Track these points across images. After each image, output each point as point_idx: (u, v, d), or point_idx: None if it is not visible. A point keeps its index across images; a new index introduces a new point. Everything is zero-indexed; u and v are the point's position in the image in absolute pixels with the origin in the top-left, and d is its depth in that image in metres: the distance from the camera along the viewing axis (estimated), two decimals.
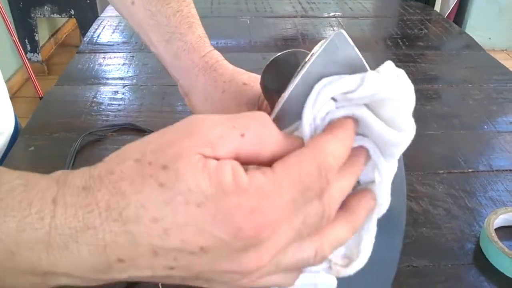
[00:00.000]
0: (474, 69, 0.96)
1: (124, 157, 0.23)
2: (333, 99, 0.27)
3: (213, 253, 0.22)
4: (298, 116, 0.29)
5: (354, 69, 0.29)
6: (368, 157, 0.29)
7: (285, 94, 0.30)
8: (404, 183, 0.36)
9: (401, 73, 0.27)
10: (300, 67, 0.30)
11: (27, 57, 2.42)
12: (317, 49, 0.29)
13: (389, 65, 0.27)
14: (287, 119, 0.30)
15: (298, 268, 0.27)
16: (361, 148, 0.28)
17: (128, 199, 0.22)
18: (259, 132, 0.24)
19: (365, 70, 0.29)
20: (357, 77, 0.26)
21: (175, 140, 0.23)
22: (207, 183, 0.21)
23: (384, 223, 0.36)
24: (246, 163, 0.24)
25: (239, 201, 0.22)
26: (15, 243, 0.22)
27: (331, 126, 0.27)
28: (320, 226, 0.25)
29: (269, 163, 0.24)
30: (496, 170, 0.65)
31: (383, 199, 0.31)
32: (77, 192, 0.23)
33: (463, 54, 1.04)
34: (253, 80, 0.46)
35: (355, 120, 0.27)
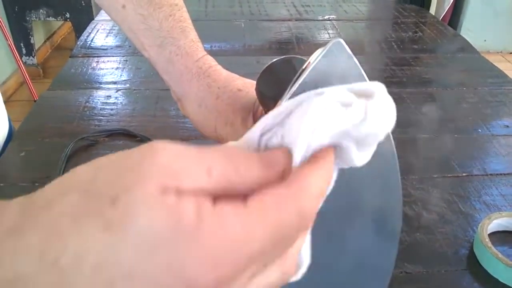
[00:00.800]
0: (468, 72, 0.96)
1: (70, 186, 0.20)
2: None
3: None
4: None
5: (351, 78, 0.29)
6: None
7: (282, 102, 0.29)
8: (400, 188, 0.36)
9: (391, 102, 0.24)
10: (297, 75, 0.29)
11: (22, 61, 2.41)
12: (315, 57, 0.29)
13: (383, 92, 0.24)
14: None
15: None
16: None
17: (66, 240, 0.18)
18: (229, 168, 0.20)
19: (362, 79, 0.29)
20: (360, 110, 0.23)
21: (133, 165, 0.19)
22: (162, 223, 0.18)
23: (380, 229, 0.36)
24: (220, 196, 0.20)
25: (199, 248, 0.18)
26: None
27: (315, 157, 0.23)
28: (278, 260, 0.22)
29: (246, 192, 0.20)
30: (490, 174, 0.65)
31: None
32: (5, 235, 0.19)
33: (458, 57, 1.04)
34: (248, 86, 0.46)
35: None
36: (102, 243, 0.18)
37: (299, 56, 0.39)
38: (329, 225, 0.30)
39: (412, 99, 0.83)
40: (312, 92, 0.23)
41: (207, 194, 0.19)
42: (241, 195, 0.20)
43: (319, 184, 0.22)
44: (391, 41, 1.09)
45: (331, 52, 0.28)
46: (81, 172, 0.20)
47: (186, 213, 0.18)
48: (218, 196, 0.19)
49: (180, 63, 0.46)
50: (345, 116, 0.22)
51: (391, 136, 0.31)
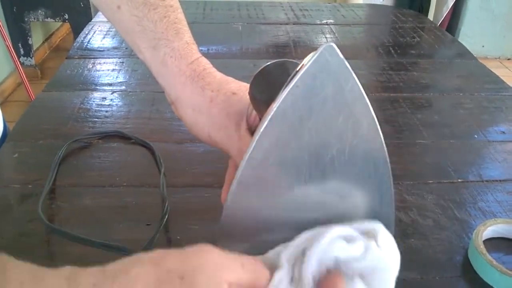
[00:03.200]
0: (466, 78, 0.96)
1: (143, 261, 0.25)
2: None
3: None
4: (286, 129, 0.29)
5: (343, 81, 0.28)
6: None
7: (274, 106, 0.29)
8: (392, 193, 0.35)
9: (393, 241, 0.31)
10: (289, 79, 0.29)
11: (20, 61, 2.40)
12: (307, 61, 0.29)
13: (385, 234, 0.31)
14: (275, 132, 0.29)
15: None
16: None
17: None
18: (255, 268, 0.27)
19: (354, 83, 0.29)
20: (361, 246, 0.29)
21: (193, 257, 0.25)
22: None
23: None
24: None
25: None
26: None
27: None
28: None
29: None
30: (486, 181, 0.65)
31: None
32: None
33: (455, 63, 1.04)
34: (242, 90, 0.45)
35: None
36: None
37: (293, 60, 0.39)
38: None
39: (409, 104, 0.83)
40: (324, 228, 0.29)
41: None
42: None
43: None
44: (389, 46, 1.09)
45: (322, 56, 0.27)
46: (152, 254, 0.26)
47: None
48: None
49: (174, 65, 0.46)
50: (348, 249, 0.28)
51: (383, 141, 0.31)
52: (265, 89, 0.38)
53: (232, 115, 0.44)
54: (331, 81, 0.28)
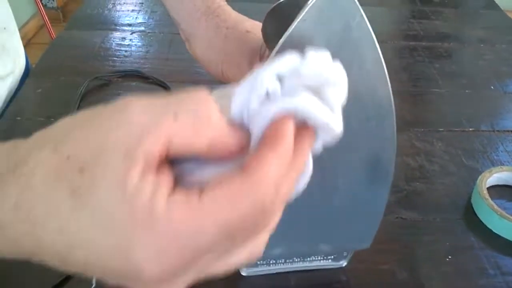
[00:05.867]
0: (488, 29, 0.94)
1: (44, 143, 0.20)
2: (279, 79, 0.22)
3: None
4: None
5: (350, 17, 0.29)
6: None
7: (281, 40, 0.30)
8: (395, 137, 0.36)
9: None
10: (300, 14, 0.30)
11: (42, 3, 2.41)
12: None
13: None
14: None
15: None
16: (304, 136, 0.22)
17: (37, 199, 0.19)
18: (195, 115, 0.20)
19: (362, 19, 0.29)
20: (296, 55, 0.22)
21: (100, 130, 0.20)
22: (118, 203, 0.18)
23: (372, 173, 0.37)
24: (181, 151, 0.20)
25: (147, 236, 0.18)
26: None
27: (270, 139, 0.20)
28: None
29: (206, 151, 0.20)
30: (498, 131, 0.65)
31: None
32: None
33: (480, 14, 1.01)
34: (256, 28, 0.46)
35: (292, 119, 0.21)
36: (66, 207, 0.19)
37: None
38: (322, 161, 0.31)
39: (427, 53, 0.82)
40: None
41: (175, 144, 0.20)
42: (204, 153, 0.20)
43: (277, 171, 0.19)
44: None
45: None
46: (58, 129, 0.21)
47: (141, 199, 0.18)
48: (177, 182, 0.20)
49: (188, 1, 0.47)
50: (283, 58, 0.22)
51: (387, 78, 0.32)
52: (277, 26, 0.39)
53: (246, 53, 0.45)
54: (338, 16, 0.29)
